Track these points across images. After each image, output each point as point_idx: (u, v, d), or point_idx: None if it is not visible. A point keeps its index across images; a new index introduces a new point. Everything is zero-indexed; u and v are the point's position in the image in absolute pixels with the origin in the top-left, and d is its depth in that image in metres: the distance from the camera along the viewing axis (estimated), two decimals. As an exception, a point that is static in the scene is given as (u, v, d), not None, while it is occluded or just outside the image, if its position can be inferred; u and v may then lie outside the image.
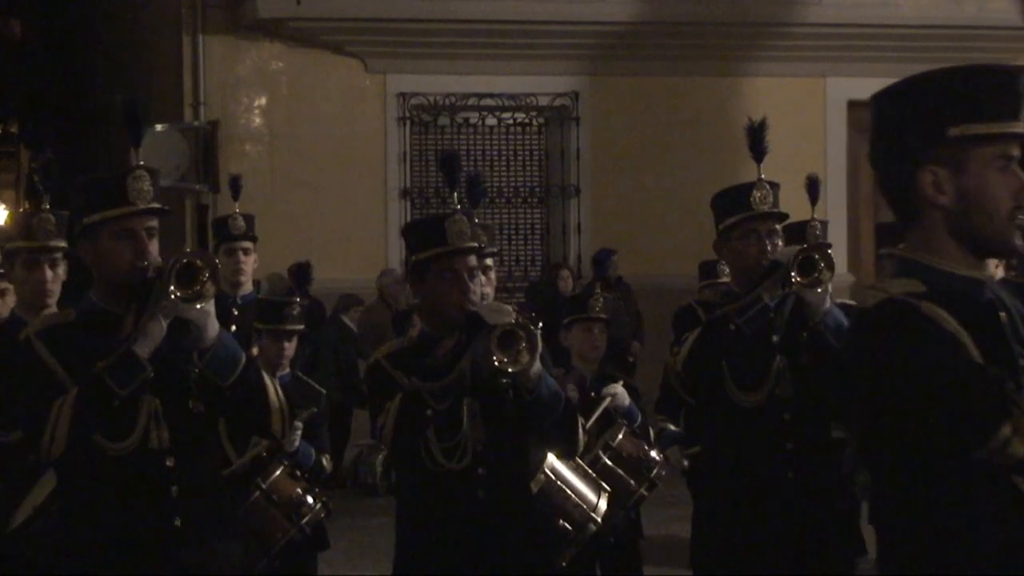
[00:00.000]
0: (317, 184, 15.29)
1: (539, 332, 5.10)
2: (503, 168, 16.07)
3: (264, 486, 6.94)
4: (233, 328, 8.00)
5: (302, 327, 7.55)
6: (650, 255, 15.64)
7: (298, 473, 7.07)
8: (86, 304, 4.86)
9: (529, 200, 16.28)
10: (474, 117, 15.99)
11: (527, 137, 16.16)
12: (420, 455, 5.18)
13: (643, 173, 15.83)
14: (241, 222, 8.36)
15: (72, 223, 4.93)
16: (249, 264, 8.37)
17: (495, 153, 16.09)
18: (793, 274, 5.91)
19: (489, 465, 5.24)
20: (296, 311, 7.47)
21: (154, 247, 4.80)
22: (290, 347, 7.44)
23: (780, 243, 6.14)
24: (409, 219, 15.77)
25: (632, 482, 7.24)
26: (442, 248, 5.29)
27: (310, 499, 6.99)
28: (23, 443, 6.19)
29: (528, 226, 16.28)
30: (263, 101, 15.53)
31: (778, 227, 6.17)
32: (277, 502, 6.90)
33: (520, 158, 16.14)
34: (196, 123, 15.30)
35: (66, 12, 23.26)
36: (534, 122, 16.16)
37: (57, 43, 24.26)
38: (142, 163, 4.83)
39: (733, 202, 6.22)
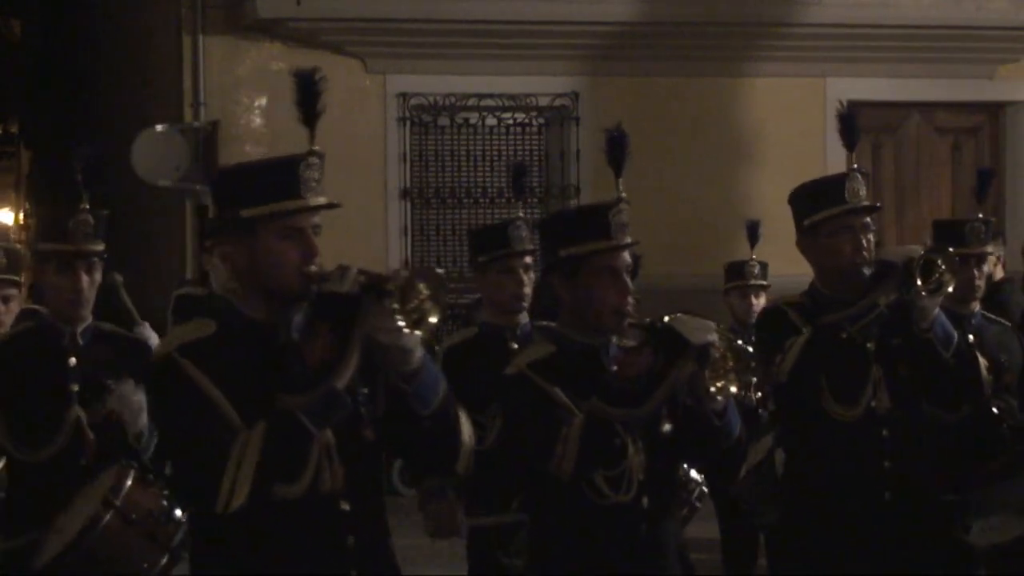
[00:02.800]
0: (317, 184, 15.27)
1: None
2: (503, 168, 16.05)
3: None
4: None
5: None
6: (650, 255, 15.58)
7: None
8: (228, 314, 4.04)
9: (529, 200, 16.25)
10: (474, 117, 15.98)
11: (527, 137, 16.15)
12: (581, 486, 4.56)
13: (643, 173, 15.77)
14: None
15: (219, 215, 4.14)
16: None
17: (495, 153, 16.08)
18: (917, 278, 5.44)
19: (651, 496, 4.65)
20: None
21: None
22: None
23: (873, 239, 5.65)
24: (409, 219, 15.80)
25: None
26: (606, 243, 4.74)
27: None
28: (54, 463, 5.80)
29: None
30: (263, 101, 15.52)
31: (869, 220, 5.65)
32: None
33: (520, 158, 16.11)
34: (196, 123, 15.29)
35: (66, 12, 23.25)
36: (534, 122, 16.16)
37: (57, 43, 24.24)
38: (316, 148, 4.21)
39: (822, 196, 5.69)
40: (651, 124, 15.93)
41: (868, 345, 5.57)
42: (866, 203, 5.65)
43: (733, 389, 4.48)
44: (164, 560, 5.65)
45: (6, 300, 6.67)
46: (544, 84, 15.82)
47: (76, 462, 5.86)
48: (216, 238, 4.17)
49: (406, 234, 15.80)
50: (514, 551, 6.22)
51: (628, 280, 4.75)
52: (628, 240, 4.80)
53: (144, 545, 5.61)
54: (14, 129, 30.38)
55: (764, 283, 9.33)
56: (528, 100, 15.91)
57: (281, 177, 4.06)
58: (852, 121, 5.83)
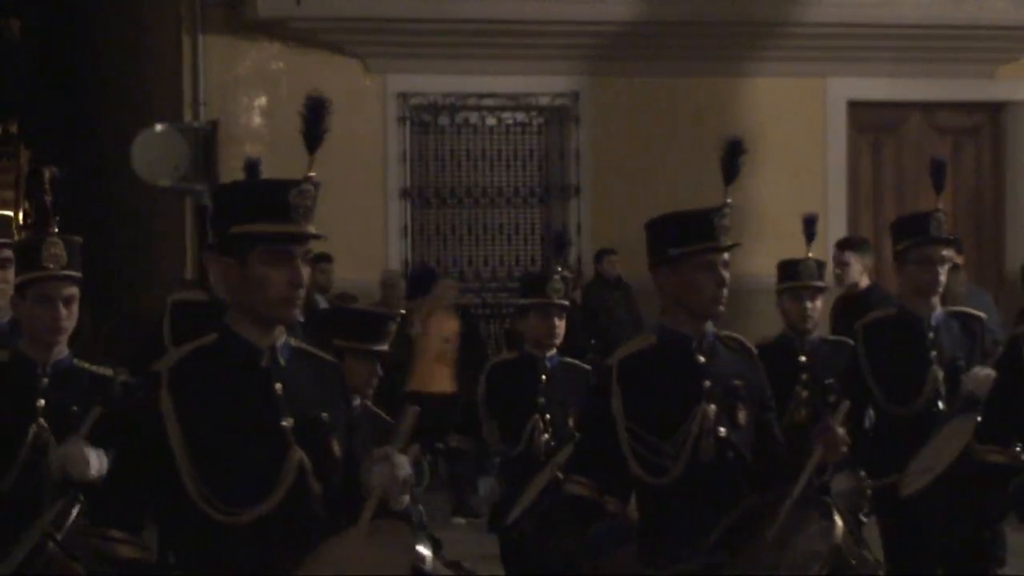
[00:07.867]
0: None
1: None
2: (503, 168, 16.06)
3: None
4: None
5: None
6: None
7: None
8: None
9: (529, 200, 16.26)
10: (474, 117, 15.98)
11: (527, 137, 16.14)
12: None
13: (643, 173, 15.82)
14: None
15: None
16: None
17: (495, 153, 16.08)
18: None
19: None
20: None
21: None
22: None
23: None
24: (409, 219, 15.79)
25: None
26: None
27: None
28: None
29: (528, 226, 16.26)
30: (263, 101, 15.52)
31: None
32: None
33: (520, 158, 16.13)
34: (196, 123, 15.29)
35: (65, 12, 23.24)
36: (534, 122, 16.16)
37: (57, 43, 24.24)
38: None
39: None
40: (651, 124, 15.93)
41: None
42: None
43: None
44: None
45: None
46: (544, 84, 15.82)
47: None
48: None
49: (406, 234, 15.80)
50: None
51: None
52: None
53: None
54: (14, 129, 30.35)
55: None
56: (528, 100, 15.91)
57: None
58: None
